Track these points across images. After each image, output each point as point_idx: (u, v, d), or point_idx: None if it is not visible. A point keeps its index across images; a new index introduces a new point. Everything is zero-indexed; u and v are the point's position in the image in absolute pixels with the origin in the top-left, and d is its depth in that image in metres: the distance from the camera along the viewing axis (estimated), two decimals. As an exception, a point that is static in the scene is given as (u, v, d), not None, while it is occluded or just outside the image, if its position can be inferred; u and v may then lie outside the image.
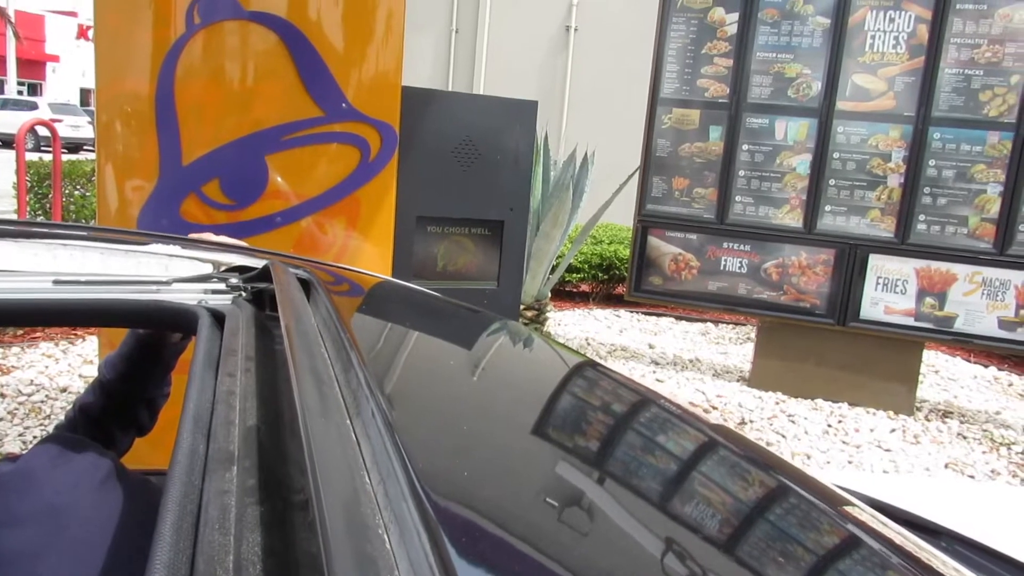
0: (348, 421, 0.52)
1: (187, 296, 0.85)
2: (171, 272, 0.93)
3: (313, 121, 2.67)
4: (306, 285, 0.92)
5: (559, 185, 5.47)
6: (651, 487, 0.67)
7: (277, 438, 0.52)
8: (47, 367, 4.05)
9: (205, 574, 0.36)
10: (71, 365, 4.10)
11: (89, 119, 21.62)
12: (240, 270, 0.98)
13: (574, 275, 6.92)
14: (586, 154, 5.70)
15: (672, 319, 6.63)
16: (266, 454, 0.50)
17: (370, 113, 2.70)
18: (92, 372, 3.96)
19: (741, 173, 4.67)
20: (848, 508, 0.80)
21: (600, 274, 6.91)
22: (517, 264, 3.23)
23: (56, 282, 0.83)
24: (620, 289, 6.66)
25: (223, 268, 0.99)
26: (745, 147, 4.65)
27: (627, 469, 0.71)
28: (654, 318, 6.62)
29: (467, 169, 3.03)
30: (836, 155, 4.48)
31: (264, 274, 0.94)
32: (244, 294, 0.88)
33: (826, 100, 4.45)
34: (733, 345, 6.02)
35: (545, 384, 0.97)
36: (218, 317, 0.77)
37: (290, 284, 0.85)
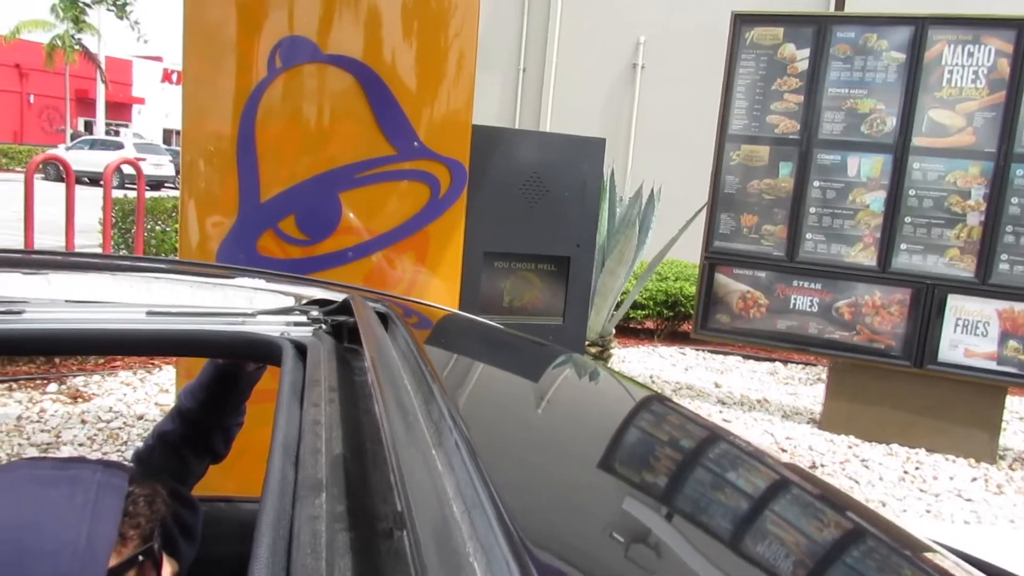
0: (433, 451, 0.53)
1: (271, 328, 0.88)
2: (255, 304, 0.96)
3: (386, 159, 2.74)
4: (384, 318, 0.94)
5: (625, 221, 5.46)
6: (736, 529, 0.66)
7: (363, 467, 0.54)
8: (125, 395, 4.20)
9: None
10: (148, 394, 4.25)
11: (171, 158, 22.64)
12: (320, 303, 1.01)
13: (639, 312, 6.86)
14: (652, 190, 5.69)
15: (739, 358, 6.50)
16: (353, 482, 0.51)
17: (441, 151, 2.75)
18: (168, 400, 4.10)
19: (812, 210, 4.59)
20: (930, 555, 0.77)
21: (665, 311, 6.84)
22: (583, 300, 3.23)
23: (149, 313, 0.87)
24: (686, 326, 6.57)
25: (304, 301, 1.02)
26: (816, 183, 4.57)
27: (702, 507, 0.70)
28: (721, 356, 6.49)
29: (534, 205, 3.06)
30: (912, 192, 4.36)
31: (343, 307, 0.96)
32: (324, 326, 0.90)
33: (901, 136, 4.35)
34: (803, 386, 5.86)
35: (619, 418, 0.97)
36: (300, 349, 0.80)
37: (370, 317, 0.87)
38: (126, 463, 0.89)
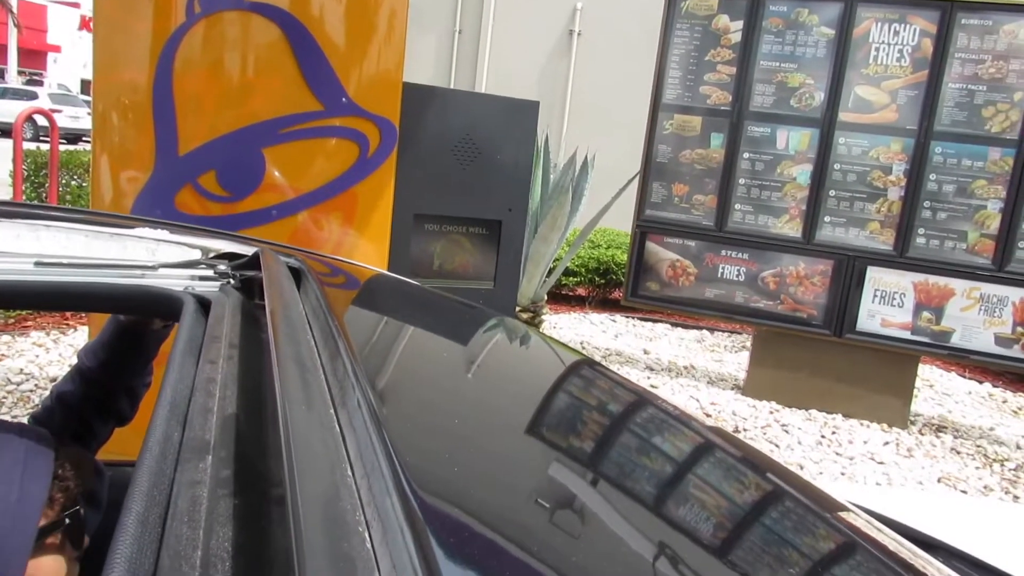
0: (333, 411, 0.50)
1: (173, 282, 0.83)
2: (158, 257, 0.91)
3: (312, 115, 2.65)
4: (297, 274, 0.90)
5: (558, 188, 5.45)
6: (644, 488, 0.65)
7: (257, 428, 0.50)
8: (37, 356, 4.02)
9: (170, 570, 0.34)
10: (62, 355, 4.07)
11: (88, 110, 21.54)
12: (229, 257, 0.95)
13: (571, 279, 6.90)
14: (586, 158, 5.68)
15: (668, 325, 6.62)
16: (244, 444, 0.48)
17: (370, 108, 2.68)
18: (82, 362, 3.93)
19: (741, 181, 4.66)
20: (845, 515, 0.78)
21: (597, 278, 6.89)
22: (514, 265, 3.21)
23: (38, 264, 0.81)
24: (617, 294, 6.64)
25: (212, 255, 0.97)
26: (746, 155, 4.64)
27: (620, 470, 0.69)
28: (650, 324, 6.60)
29: (466, 168, 3.01)
30: (837, 166, 4.47)
31: (254, 262, 0.91)
32: (232, 281, 0.85)
33: (828, 111, 4.44)
34: (728, 353, 6.00)
35: (540, 381, 0.95)
36: (204, 304, 0.75)
37: (279, 271, 0.82)
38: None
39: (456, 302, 1.31)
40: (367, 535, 0.37)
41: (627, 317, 6.67)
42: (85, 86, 34.96)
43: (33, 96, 21.67)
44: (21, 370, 3.79)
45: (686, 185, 4.79)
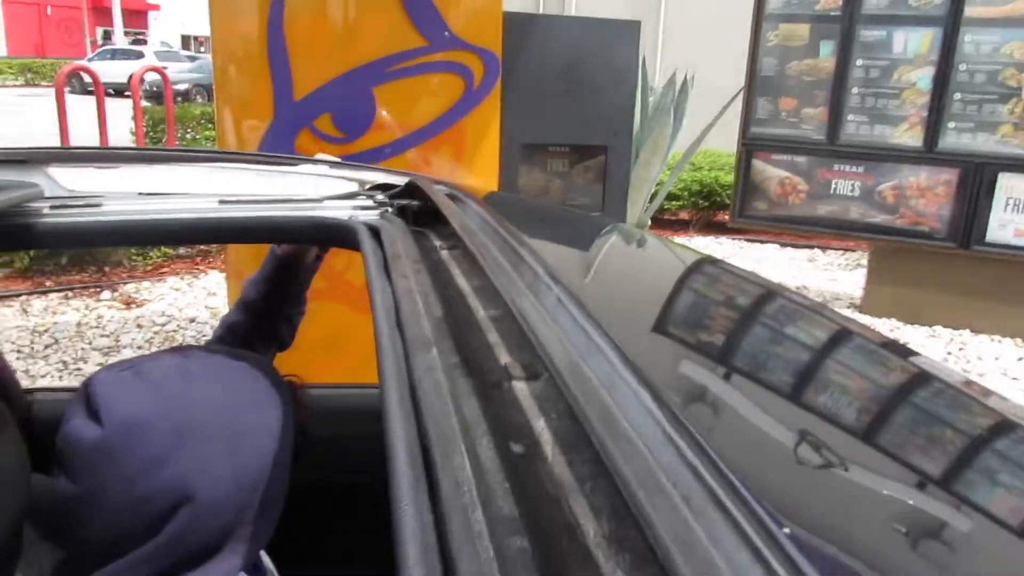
0: (536, 305, 0.54)
1: (339, 212, 0.89)
2: (319, 191, 0.97)
3: (416, 52, 2.67)
4: (452, 197, 0.95)
5: (658, 110, 5.34)
6: (814, 382, 0.67)
7: (467, 327, 0.55)
8: (175, 299, 4.32)
9: (435, 437, 0.39)
10: (196, 298, 4.36)
11: (191, 65, 22.33)
12: (382, 188, 1.01)
13: (674, 203, 6.78)
14: (685, 78, 5.51)
15: (777, 246, 6.44)
16: (460, 339, 0.53)
17: (472, 41, 2.68)
18: (216, 303, 4.20)
19: (854, 91, 4.42)
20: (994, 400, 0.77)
21: (700, 201, 6.75)
22: (621, 190, 3.20)
23: (221, 202, 0.88)
24: (721, 216, 6.50)
25: (367, 186, 1.02)
26: (859, 62, 4.39)
27: (789, 364, 0.71)
28: (758, 245, 6.44)
29: (570, 94, 2.99)
30: (963, 67, 4.17)
31: (407, 191, 0.97)
32: (390, 209, 0.91)
33: (952, 7, 4.12)
34: (843, 271, 5.81)
35: (701, 281, 1.00)
36: (373, 230, 0.81)
37: (440, 193, 0.87)
38: None
39: (587, 216, 1.35)
40: (608, 399, 0.41)
41: (733, 239, 6.53)
42: (185, 42, 36.14)
43: (140, 55, 22.59)
44: (163, 312, 4.09)
45: (794, 99, 4.60)
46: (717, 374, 0.63)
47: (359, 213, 0.88)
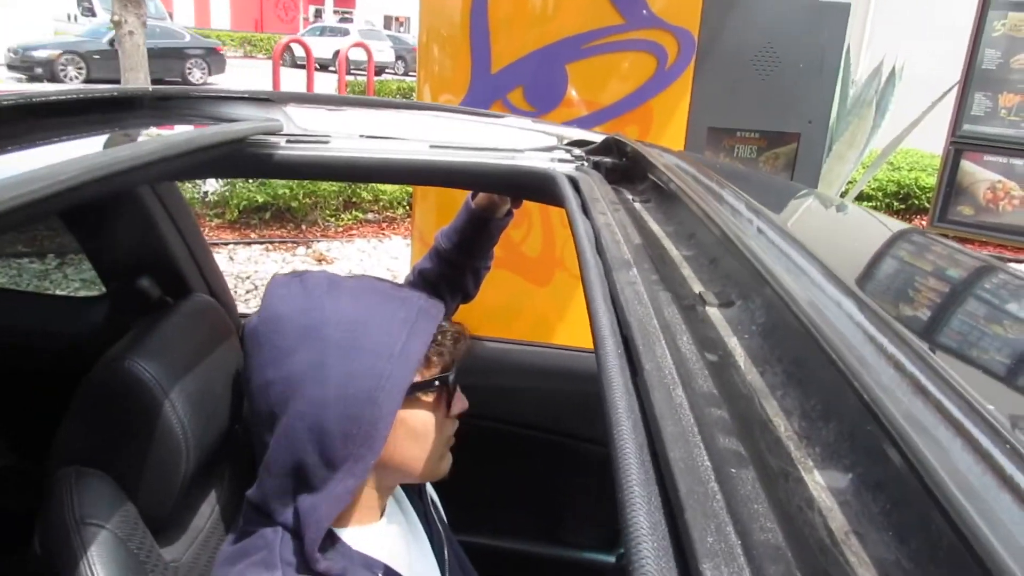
0: (763, 243, 0.56)
1: (538, 163, 0.94)
2: (521, 144, 1.03)
3: (613, 29, 2.69)
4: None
5: (860, 101, 5.02)
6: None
7: (663, 260, 0.58)
8: (362, 260, 4.63)
9: (638, 332, 0.42)
10: (380, 261, 4.65)
11: (391, 44, 23.59)
12: (579, 144, 1.05)
13: (866, 203, 6.38)
14: (893, 67, 5.14)
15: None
16: (659, 262, 0.55)
17: (669, 19, 2.66)
18: (398, 266, 4.47)
19: (1093, 88, 3.96)
20: None
21: (896, 203, 6.31)
22: (811, 181, 3.07)
23: (432, 147, 0.96)
24: (918, 222, 6.03)
25: (565, 141, 1.07)
26: (1103, 56, 3.92)
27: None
28: (957, 255, 5.92)
29: (765, 77, 2.89)
30: None
31: (603, 148, 1.00)
32: (586, 163, 0.95)
33: None
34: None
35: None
36: (572, 180, 0.85)
37: (642, 144, 0.90)
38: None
39: (774, 178, 1.33)
40: (811, 317, 0.42)
41: (929, 246, 6.04)
42: (387, 21, 38.16)
43: (345, 33, 24.09)
44: (350, 271, 4.39)
45: (1017, 95, 4.18)
46: (923, 317, 0.62)
47: (558, 165, 0.93)
